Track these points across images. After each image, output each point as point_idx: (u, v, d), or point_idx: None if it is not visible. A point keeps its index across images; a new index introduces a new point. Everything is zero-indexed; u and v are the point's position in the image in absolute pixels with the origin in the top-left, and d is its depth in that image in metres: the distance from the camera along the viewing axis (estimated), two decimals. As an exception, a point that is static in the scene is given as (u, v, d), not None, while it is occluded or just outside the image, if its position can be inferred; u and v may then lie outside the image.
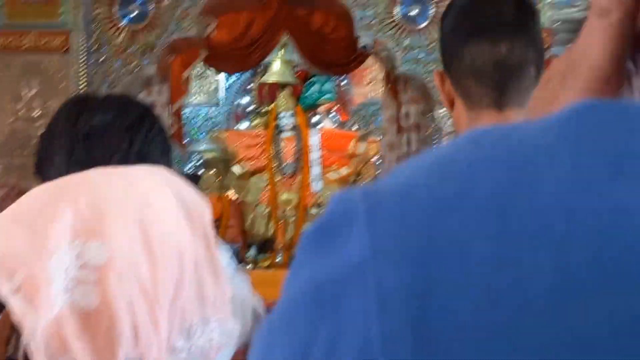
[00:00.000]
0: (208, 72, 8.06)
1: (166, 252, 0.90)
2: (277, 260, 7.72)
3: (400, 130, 5.97)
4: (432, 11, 5.51)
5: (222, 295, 0.98)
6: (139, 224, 0.89)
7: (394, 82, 5.90)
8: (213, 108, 8.79)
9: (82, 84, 5.38)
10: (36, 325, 0.82)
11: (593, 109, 0.39)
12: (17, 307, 0.83)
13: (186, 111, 8.58)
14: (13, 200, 1.36)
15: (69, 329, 0.82)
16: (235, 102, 8.83)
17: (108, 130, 1.29)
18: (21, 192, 1.53)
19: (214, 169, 8.35)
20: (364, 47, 5.53)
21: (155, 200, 0.94)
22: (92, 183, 0.94)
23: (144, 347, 0.85)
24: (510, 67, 1.30)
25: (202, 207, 0.97)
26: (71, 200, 0.90)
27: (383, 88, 6.13)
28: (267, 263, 7.85)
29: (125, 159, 1.24)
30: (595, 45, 0.44)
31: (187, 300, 0.91)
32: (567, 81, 0.46)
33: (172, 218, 0.93)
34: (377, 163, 8.56)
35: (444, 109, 5.53)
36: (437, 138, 5.65)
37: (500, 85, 1.31)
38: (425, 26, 5.51)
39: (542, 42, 1.37)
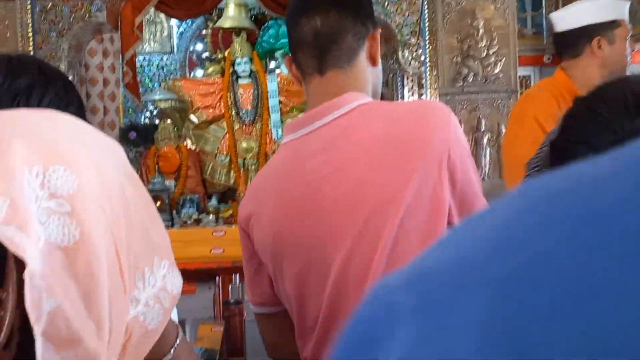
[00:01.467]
0: (160, 18, 7.77)
1: (114, 187, 0.78)
2: (239, 209, 7.54)
3: (362, 73, 5.85)
4: (392, -51, 5.34)
5: (165, 240, 0.88)
6: (89, 154, 0.76)
7: (354, 23, 5.75)
8: (166, 56, 8.53)
9: (29, 32, 5.12)
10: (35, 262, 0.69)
11: None
12: (14, 239, 0.69)
13: (139, 59, 8.32)
14: None
15: (50, 269, 0.69)
16: (190, 49, 8.58)
17: None
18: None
19: (170, 119, 8.15)
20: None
21: (86, 137, 0.80)
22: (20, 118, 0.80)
23: (112, 292, 0.74)
24: (326, 36, 1.49)
25: (118, 146, 0.85)
26: (13, 127, 0.75)
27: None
28: (228, 212, 7.73)
29: None
30: None
31: (136, 243, 0.80)
32: None
33: (104, 155, 0.81)
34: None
35: (409, 51, 5.43)
36: (401, 81, 5.54)
37: (320, 52, 1.50)
38: (386, -36, 5.36)
39: (362, 13, 1.54)
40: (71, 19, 5.20)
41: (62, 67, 5.18)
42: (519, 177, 1.80)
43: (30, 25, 5.12)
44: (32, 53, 5.12)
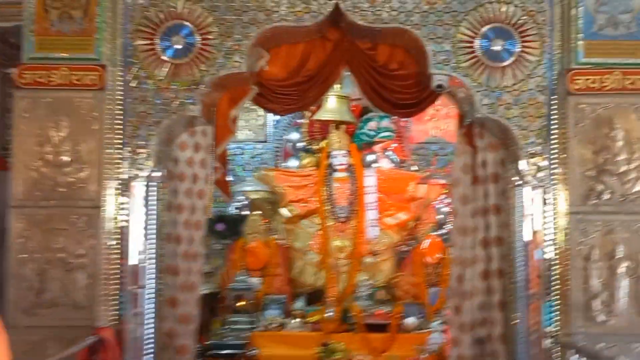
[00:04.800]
0: (255, 106, 7.40)
1: None
2: (327, 314, 6.98)
3: (475, 180, 5.22)
4: (518, 47, 4.76)
5: None
6: None
7: (469, 125, 5.16)
8: (260, 144, 8.17)
9: (118, 124, 4.76)
10: None
11: None
12: None
13: (231, 147, 7.95)
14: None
15: None
16: (284, 138, 8.20)
17: None
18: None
19: (260, 211, 7.70)
20: (439, 86, 4.80)
21: None
22: None
23: None
24: None
25: None
26: None
27: (457, 132, 5.38)
28: (316, 317, 7.12)
29: None
30: None
31: None
32: None
33: None
34: (438, 207, 7.84)
35: (533, 160, 4.77)
36: (520, 193, 4.87)
37: None
38: (510, 64, 4.78)
39: None
40: (163, 111, 4.83)
41: (150, 162, 4.78)
42: None
43: (119, 117, 4.77)
44: (120, 146, 4.76)
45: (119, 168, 4.76)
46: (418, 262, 7.38)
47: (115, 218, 4.73)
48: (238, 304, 7.04)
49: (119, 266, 4.72)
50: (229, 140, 5.60)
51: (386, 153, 7.99)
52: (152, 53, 4.82)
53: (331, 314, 7.01)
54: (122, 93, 4.80)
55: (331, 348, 6.60)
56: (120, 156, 4.76)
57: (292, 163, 8.12)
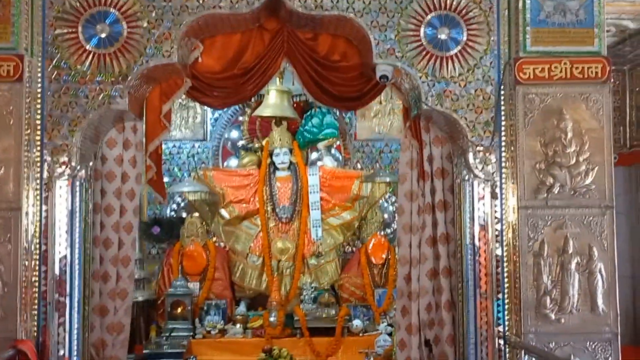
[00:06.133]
0: (192, 102, 7.05)
1: None
2: (270, 319, 6.69)
3: (422, 176, 5.00)
4: (464, 36, 4.57)
5: None
6: None
7: (415, 119, 4.94)
8: (198, 143, 7.82)
9: (37, 120, 4.39)
10: None
11: None
12: None
13: (168, 146, 7.63)
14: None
15: None
16: (224, 137, 7.87)
17: None
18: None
19: (199, 213, 7.36)
20: (384, 77, 4.56)
21: None
22: None
23: None
24: None
25: None
26: None
27: (403, 126, 5.16)
28: (258, 322, 6.83)
29: None
30: None
31: None
32: None
33: None
34: (384, 207, 7.63)
35: (481, 153, 4.57)
36: (470, 188, 4.67)
37: None
38: (456, 53, 4.57)
39: None
40: (88, 105, 4.47)
41: (73, 161, 4.42)
42: None
43: (39, 111, 4.40)
44: (39, 143, 4.39)
45: (39, 167, 4.39)
46: (363, 263, 7.16)
47: (36, 221, 4.36)
48: (176, 311, 6.71)
49: (39, 273, 4.35)
50: (162, 137, 5.24)
51: (330, 151, 7.75)
52: (75, 42, 4.47)
53: (274, 318, 6.72)
54: (41, 85, 4.43)
55: (274, 354, 6.32)
56: (40, 154, 4.39)
57: (232, 162, 7.82)
